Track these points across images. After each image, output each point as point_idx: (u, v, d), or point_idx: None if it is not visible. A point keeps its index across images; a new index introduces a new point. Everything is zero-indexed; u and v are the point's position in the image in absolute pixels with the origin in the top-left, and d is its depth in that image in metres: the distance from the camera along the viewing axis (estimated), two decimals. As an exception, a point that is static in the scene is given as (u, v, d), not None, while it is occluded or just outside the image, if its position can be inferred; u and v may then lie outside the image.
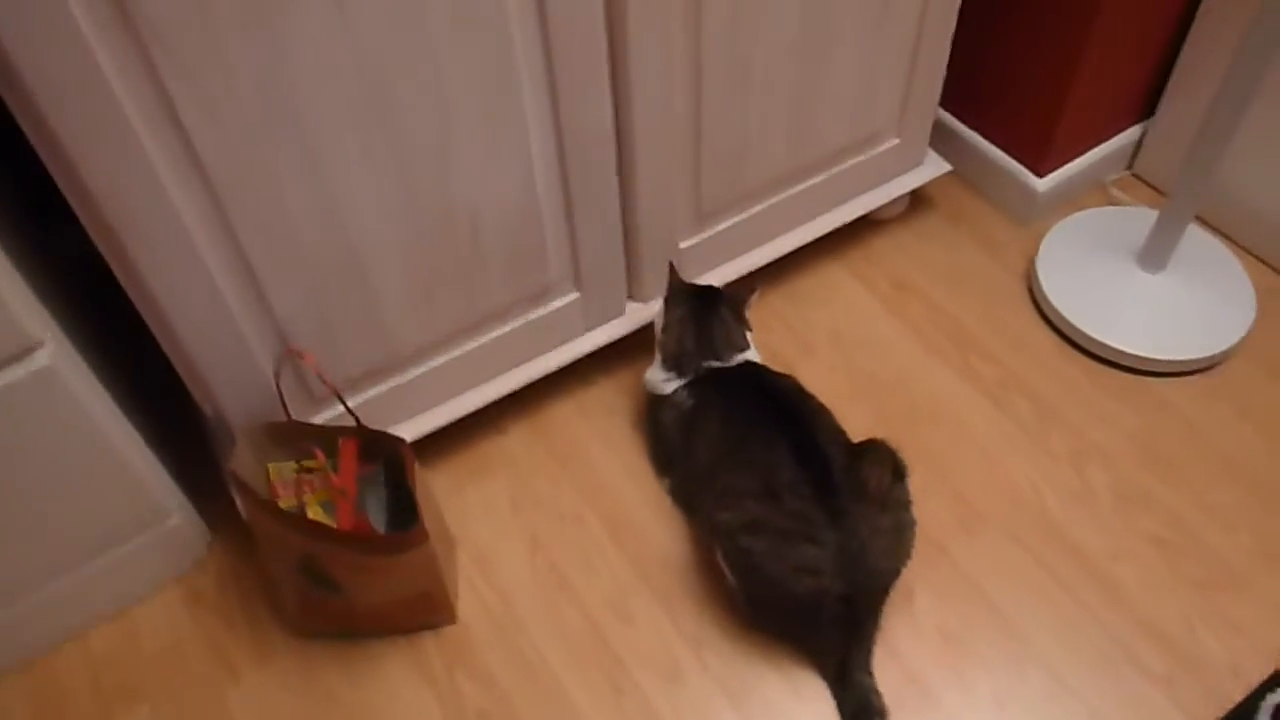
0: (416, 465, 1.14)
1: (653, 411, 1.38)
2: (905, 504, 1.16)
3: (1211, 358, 1.43)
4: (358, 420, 1.15)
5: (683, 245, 1.38)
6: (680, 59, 1.16)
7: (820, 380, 1.45)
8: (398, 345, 1.22)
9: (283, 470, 1.18)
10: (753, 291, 1.33)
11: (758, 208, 1.42)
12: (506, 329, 1.30)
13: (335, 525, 1.12)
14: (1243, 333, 1.44)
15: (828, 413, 1.25)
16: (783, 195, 1.43)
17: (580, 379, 1.46)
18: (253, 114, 0.91)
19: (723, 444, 1.22)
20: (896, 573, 1.14)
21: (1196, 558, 1.27)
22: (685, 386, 1.29)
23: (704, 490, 1.23)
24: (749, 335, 1.33)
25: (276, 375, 1.12)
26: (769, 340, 1.50)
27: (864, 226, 1.61)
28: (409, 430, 1.30)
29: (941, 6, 1.34)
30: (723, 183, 1.35)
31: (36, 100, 0.80)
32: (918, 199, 1.66)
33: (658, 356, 1.34)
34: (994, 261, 1.59)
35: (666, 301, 1.34)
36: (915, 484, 1.31)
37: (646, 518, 1.33)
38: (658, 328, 1.35)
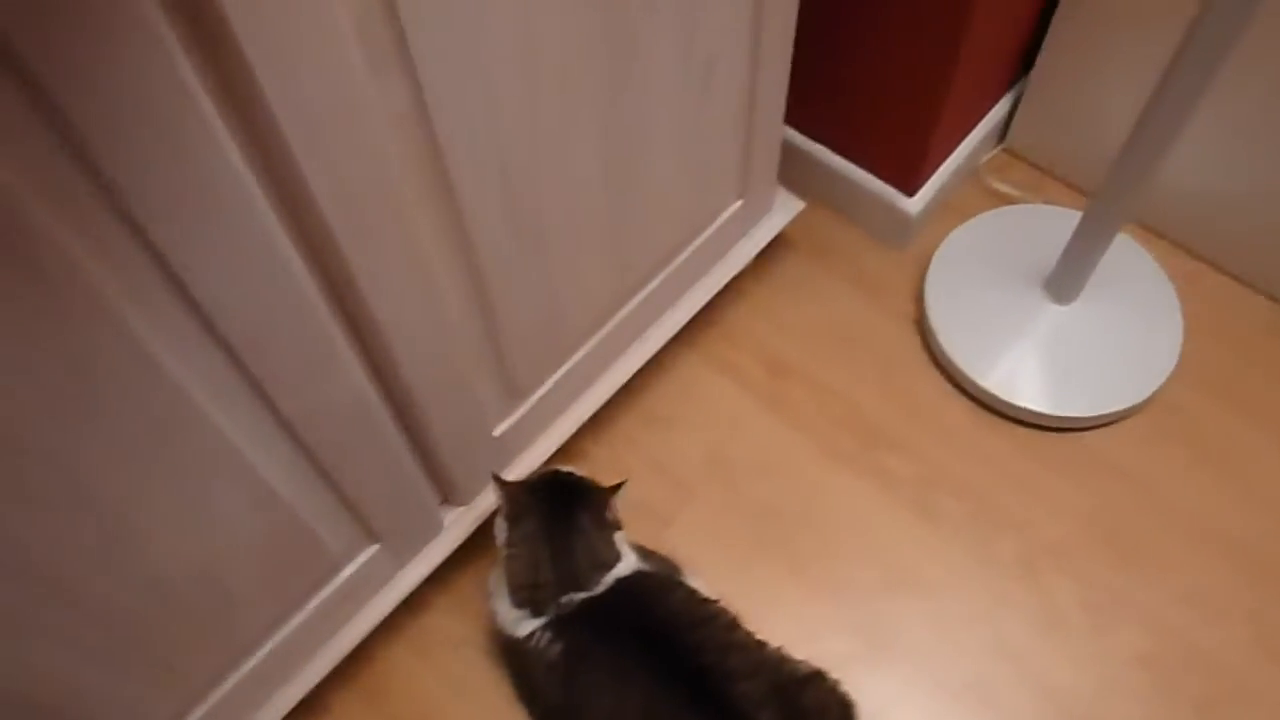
0: None
1: (510, 657, 1.05)
2: None
3: (1148, 398, 1.20)
4: None
5: (498, 431, 1.03)
6: (445, 265, 0.79)
7: (710, 533, 1.15)
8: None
9: None
10: (616, 489, 1.00)
11: (584, 350, 1.07)
12: (293, 625, 0.94)
13: None
14: (1176, 354, 1.21)
15: (737, 631, 0.97)
16: (613, 323, 1.09)
17: (408, 609, 1.11)
18: None
19: None
20: None
21: (1192, 668, 1.07)
22: (546, 627, 0.98)
23: None
24: (618, 537, 1.01)
25: None
26: (635, 492, 1.17)
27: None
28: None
29: (773, 53, 0.99)
30: (534, 353, 1.00)
31: None
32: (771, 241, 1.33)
33: (504, 584, 1.01)
34: (876, 308, 1.30)
35: (506, 517, 1.00)
36: (853, 651, 1.07)
37: (538, 794, 1.03)
38: (499, 541, 1.01)
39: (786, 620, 1.10)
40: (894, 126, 1.21)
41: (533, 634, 0.97)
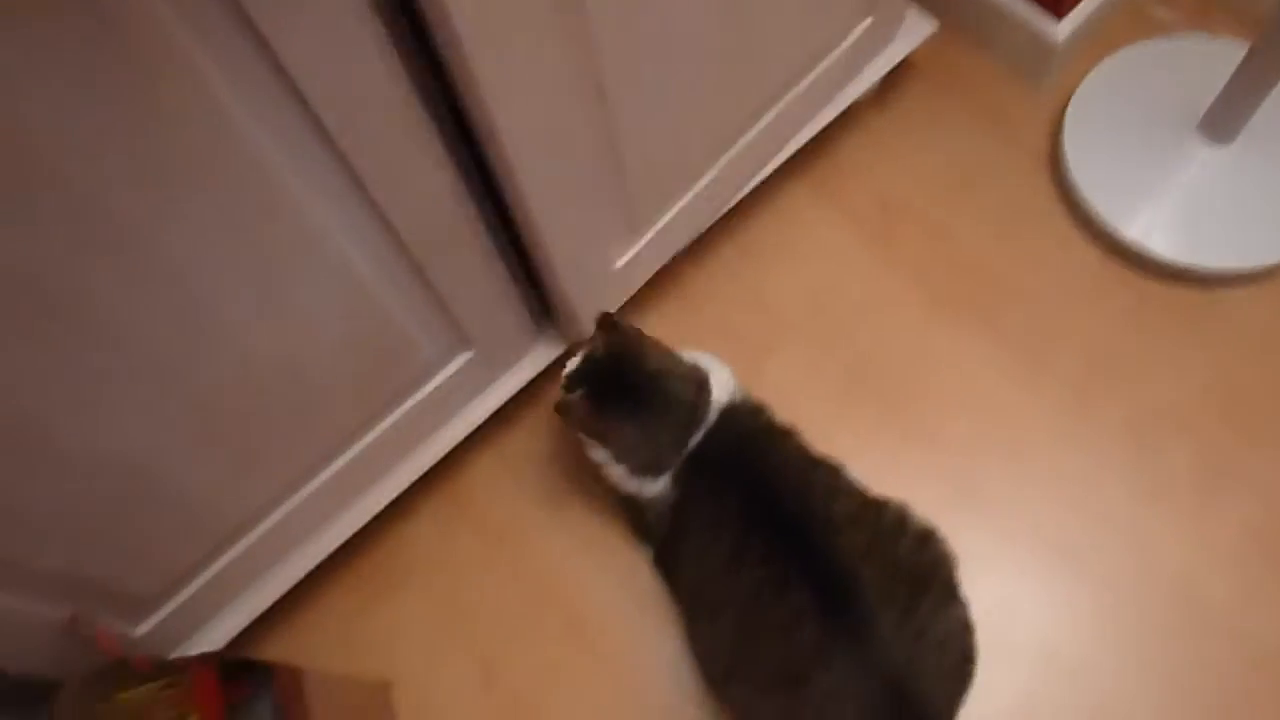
0: (303, 680, 0.85)
1: (627, 504, 1.05)
2: (965, 626, 0.88)
3: (1302, 256, 1.10)
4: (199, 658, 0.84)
5: (619, 264, 1.00)
6: (568, 79, 0.74)
7: (805, 370, 1.12)
8: (241, 511, 0.89)
9: (140, 697, 0.89)
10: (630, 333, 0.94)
11: (706, 178, 1.02)
12: (385, 425, 0.95)
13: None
14: (1340, 212, 1.10)
15: (842, 477, 0.94)
16: (735, 149, 1.03)
17: (498, 419, 1.12)
18: None
19: (723, 572, 0.90)
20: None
21: (1304, 548, 1.02)
22: (673, 481, 0.95)
23: (710, 639, 0.96)
24: (688, 360, 0.96)
25: (73, 631, 0.80)
26: (732, 323, 1.14)
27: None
28: (292, 568, 0.99)
29: None
30: (656, 180, 0.95)
31: None
32: (895, 68, 1.23)
33: (616, 465, 0.97)
34: (1006, 147, 1.20)
35: (575, 421, 0.96)
36: (945, 499, 1.04)
37: (619, 605, 1.05)
38: (590, 452, 0.98)
39: (877, 463, 1.06)
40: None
41: (659, 493, 0.96)
